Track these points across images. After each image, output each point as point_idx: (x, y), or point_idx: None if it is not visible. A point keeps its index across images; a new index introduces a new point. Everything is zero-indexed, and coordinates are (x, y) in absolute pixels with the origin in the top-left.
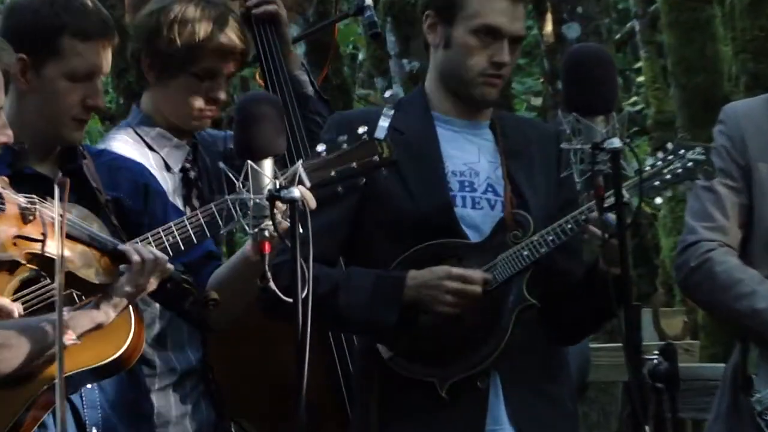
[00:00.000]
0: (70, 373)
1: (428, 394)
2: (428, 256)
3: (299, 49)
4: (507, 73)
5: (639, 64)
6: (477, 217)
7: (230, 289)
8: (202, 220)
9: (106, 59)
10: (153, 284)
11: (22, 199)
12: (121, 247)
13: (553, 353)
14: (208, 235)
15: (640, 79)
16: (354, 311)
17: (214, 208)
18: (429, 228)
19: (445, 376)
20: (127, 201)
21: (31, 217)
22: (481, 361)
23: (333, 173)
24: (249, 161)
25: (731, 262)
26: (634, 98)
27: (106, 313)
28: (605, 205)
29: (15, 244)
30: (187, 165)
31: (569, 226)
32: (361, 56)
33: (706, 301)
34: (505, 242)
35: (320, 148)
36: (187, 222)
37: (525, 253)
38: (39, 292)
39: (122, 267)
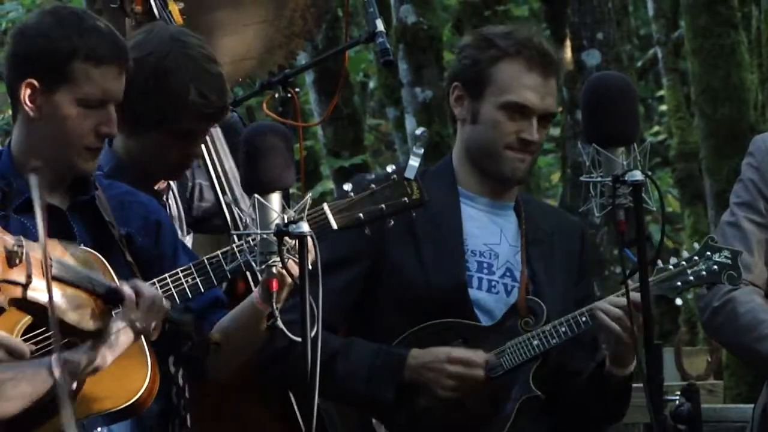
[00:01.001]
0: (83, 418)
1: None
2: (434, 334)
3: (308, 78)
4: (535, 150)
5: (661, 93)
6: (491, 302)
7: (235, 337)
8: (207, 266)
9: (120, 85)
10: (155, 327)
11: (9, 240)
12: (113, 285)
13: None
14: (215, 282)
15: (663, 107)
16: (351, 384)
17: (220, 255)
18: (440, 306)
19: None
20: (137, 237)
21: (17, 261)
22: None
23: (361, 215)
24: (256, 195)
25: (755, 302)
26: (657, 128)
27: (103, 357)
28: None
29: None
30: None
31: (583, 319)
32: (372, 84)
33: (729, 342)
34: (516, 328)
35: (347, 187)
36: (193, 269)
37: (535, 342)
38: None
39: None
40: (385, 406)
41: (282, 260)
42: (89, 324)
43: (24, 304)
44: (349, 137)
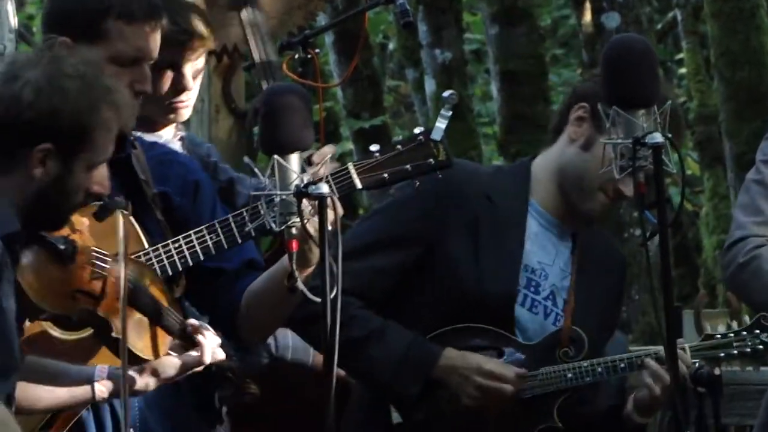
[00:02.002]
0: None
1: None
2: (472, 337)
3: (327, 39)
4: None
5: (681, 56)
6: (529, 321)
7: (267, 300)
8: (232, 223)
9: (154, 43)
10: (199, 369)
11: (94, 253)
12: (197, 338)
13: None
14: (239, 240)
15: (682, 71)
16: (379, 369)
17: (244, 212)
18: (484, 312)
19: None
20: (175, 197)
21: (98, 275)
22: None
23: (386, 175)
24: (275, 156)
25: None
26: (676, 91)
27: (146, 384)
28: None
29: (74, 297)
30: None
31: (622, 365)
32: (391, 46)
33: (753, 298)
34: (553, 356)
35: (374, 147)
36: (218, 226)
37: (569, 375)
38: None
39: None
40: (408, 398)
41: (302, 221)
42: (147, 353)
43: (91, 318)
44: (368, 98)
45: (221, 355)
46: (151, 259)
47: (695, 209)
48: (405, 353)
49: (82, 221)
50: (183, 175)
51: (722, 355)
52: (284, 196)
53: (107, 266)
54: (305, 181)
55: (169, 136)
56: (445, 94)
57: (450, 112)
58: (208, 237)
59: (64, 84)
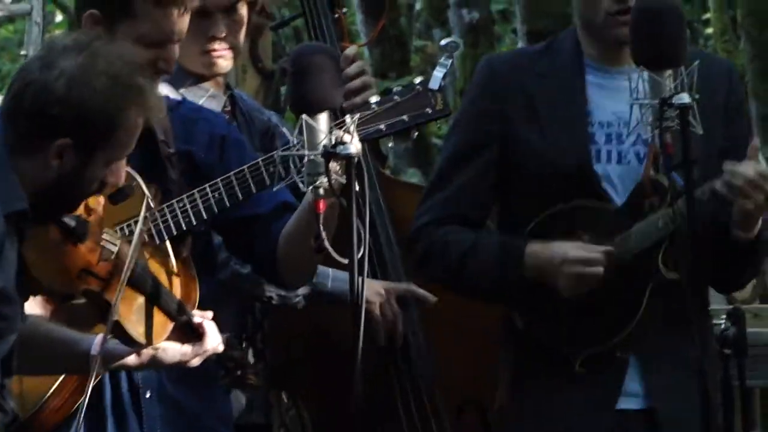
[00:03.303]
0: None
1: (562, 364)
2: (562, 220)
3: None
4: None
5: (707, 16)
6: (622, 173)
7: (298, 242)
8: (249, 177)
9: (181, 25)
10: (197, 363)
11: (105, 236)
12: (196, 320)
13: (693, 317)
14: (254, 190)
15: (709, 31)
16: (482, 283)
17: (262, 164)
18: (569, 185)
19: (577, 349)
20: (199, 154)
21: (108, 255)
22: (615, 335)
23: (382, 126)
24: (304, 115)
25: None
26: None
27: (141, 363)
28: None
29: (79, 277)
30: (226, 115)
31: (705, 197)
32: (418, 6)
33: None
34: (641, 209)
35: (373, 99)
36: (233, 178)
37: (660, 224)
38: None
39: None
40: (517, 298)
41: (329, 181)
42: (144, 339)
43: (95, 299)
44: (395, 58)
45: (221, 349)
46: (165, 214)
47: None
48: (496, 261)
49: (98, 201)
50: (209, 132)
51: None
52: (312, 156)
53: (115, 249)
54: (333, 141)
55: (215, 91)
56: (443, 42)
57: (449, 61)
58: (223, 188)
59: (97, 82)
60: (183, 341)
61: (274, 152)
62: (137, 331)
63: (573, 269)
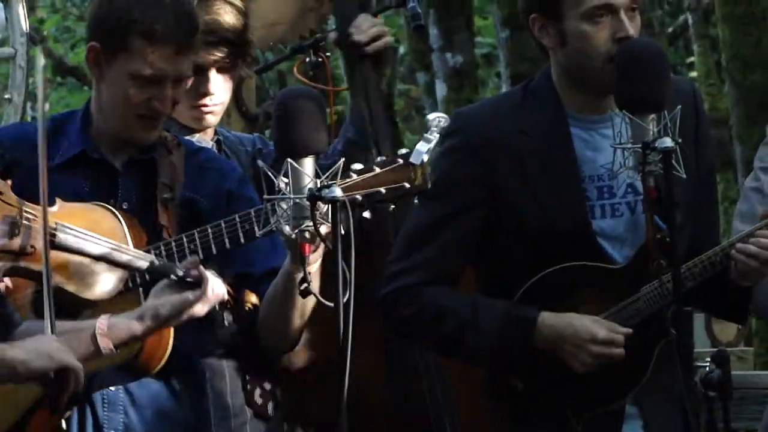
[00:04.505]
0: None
1: (563, 422)
2: (562, 280)
3: None
4: None
5: (692, 59)
6: (617, 227)
7: (278, 306)
8: (239, 225)
9: (179, 66)
10: (204, 311)
11: (10, 208)
12: (200, 273)
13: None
14: (242, 241)
15: (693, 74)
16: (482, 354)
17: (252, 213)
18: (565, 245)
19: (583, 411)
20: (204, 202)
21: (16, 231)
22: (622, 395)
23: (358, 196)
24: (289, 159)
25: None
26: None
27: (147, 327)
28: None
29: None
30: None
31: (718, 259)
32: (402, 50)
33: (754, 309)
34: (648, 271)
35: (356, 167)
36: (223, 225)
37: (670, 286)
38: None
39: (190, 293)
40: (518, 370)
41: (315, 225)
42: (90, 293)
43: (21, 273)
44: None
45: (223, 290)
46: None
47: None
48: (501, 330)
49: (2, 183)
50: (217, 183)
51: None
52: (297, 200)
53: (24, 221)
54: (319, 185)
55: (205, 138)
56: (430, 116)
57: (435, 136)
58: (211, 234)
59: None
60: (179, 293)
61: (260, 205)
62: (81, 289)
63: (598, 349)
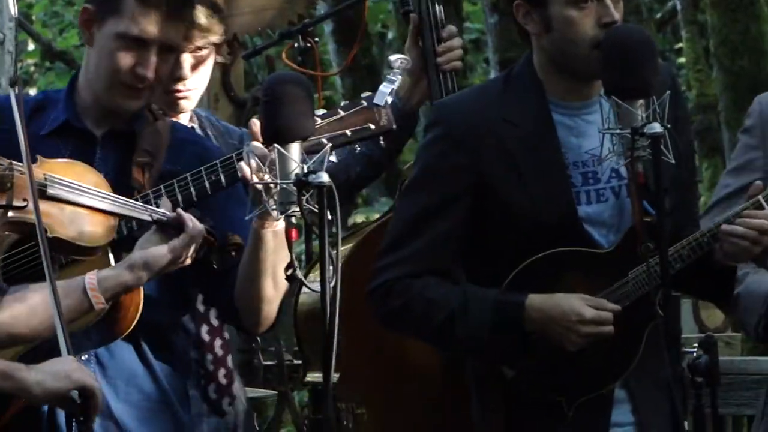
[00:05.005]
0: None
1: (553, 408)
2: (549, 266)
3: (327, 27)
4: None
5: (680, 45)
6: (603, 212)
7: (249, 268)
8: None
9: (167, 30)
10: (191, 255)
11: None
12: (177, 214)
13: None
14: (209, 191)
15: (681, 60)
16: (473, 343)
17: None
18: (552, 232)
19: (574, 397)
20: (182, 174)
21: (8, 184)
22: (612, 379)
23: (324, 139)
24: (276, 145)
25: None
26: None
27: (138, 277)
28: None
29: None
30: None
31: (705, 240)
32: (390, 35)
33: (742, 328)
34: (635, 254)
35: (319, 112)
36: (204, 172)
37: (659, 269)
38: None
39: (178, 239)
40: (510, 357)
41: (301, 210)
42: (92, 241)
43: (15, 226)
44: (367, 87)
45: (200, 225)
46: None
47: None
48: (492, 318)
49: None
50: (199, 155)
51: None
52: (284, 185)
53: (14, 173)
54: (306, 170)
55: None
56: (392, 57)
57: (397, 77)
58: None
59: None
60: (165, 241)
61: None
62: (78, 236)
63: (588, 329)
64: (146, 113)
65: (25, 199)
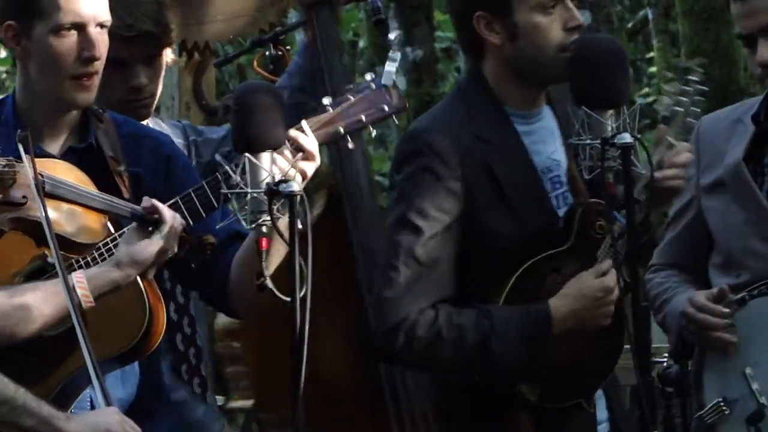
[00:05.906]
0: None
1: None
2: (529, 279)
3: (298, 36)
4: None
5: (651, 54)
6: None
7: (249, 270)
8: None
9: (95, 7)
10: (175, 247)
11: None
12: (152, 205)
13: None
14: (203, 214)
15: (653, 69)
16: (510, 359)
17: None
18: (532, 245)
19: (588, 393)
20: (146, 177)
21: (10, 182)
22: (611, 367)
23: (340, 128)
24: (247, 154)
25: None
26: (646, 89)
27: (127, 275)
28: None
29: None
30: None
31: (643, 196)
32: (362, 44)
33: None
34: (594, 237)
35: (326, 101)
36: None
37: (620, 242)
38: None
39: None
40: (543, 368)
41: (272, 219)
42: (87, 237)
43: (25, 224)
44: None
45: (178, 216)
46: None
47: (664, 210)
48: (521, 332)
49: None
50: (155, 149)
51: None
52: (255, 194)
53: (16, 170)
54: (276, 179)
55: None
56: (391, 35)
57: (398, 54)
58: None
59: None
60: (147, 236)
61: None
62: (75, 232)
63: (607, 301)
64: (92, 118)
65: (24, 196)
